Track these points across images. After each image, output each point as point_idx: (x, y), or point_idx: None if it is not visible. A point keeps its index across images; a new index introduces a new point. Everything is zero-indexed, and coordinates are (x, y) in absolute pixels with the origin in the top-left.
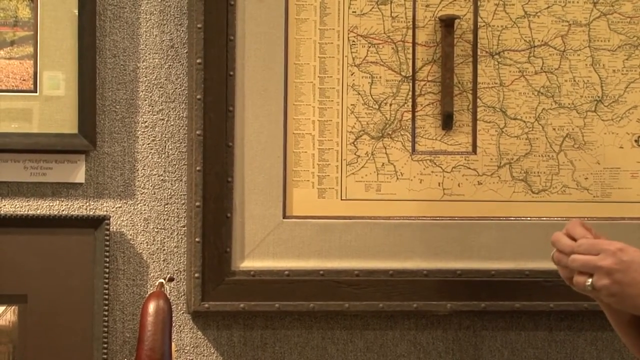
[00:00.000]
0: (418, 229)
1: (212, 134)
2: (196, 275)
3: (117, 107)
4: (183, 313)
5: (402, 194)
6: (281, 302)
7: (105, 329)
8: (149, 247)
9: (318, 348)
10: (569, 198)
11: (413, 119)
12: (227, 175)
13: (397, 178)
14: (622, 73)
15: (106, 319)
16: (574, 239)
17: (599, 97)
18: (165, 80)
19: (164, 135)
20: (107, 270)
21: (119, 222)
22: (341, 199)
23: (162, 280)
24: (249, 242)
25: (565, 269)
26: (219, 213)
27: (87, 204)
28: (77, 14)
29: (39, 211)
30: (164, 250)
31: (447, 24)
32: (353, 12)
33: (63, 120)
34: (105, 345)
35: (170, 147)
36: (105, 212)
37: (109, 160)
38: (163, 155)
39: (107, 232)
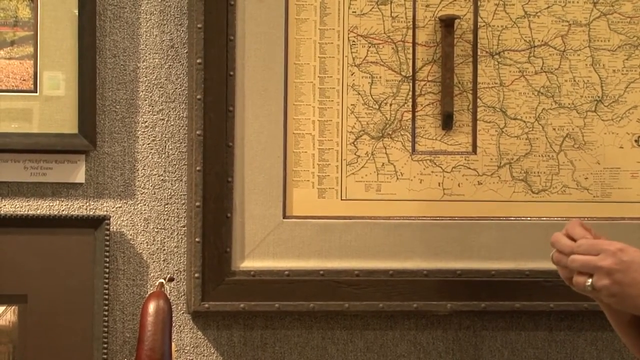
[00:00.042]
0: (418, 229)
1: (212, 134)
2: (196, 275)
3: (117, 107)
4: (183, 313)
5: (402, 194)
6: (281, 302)
7: (105, 329)
8: (149, 247)
9: (318, 348)
10: (569, 198)
11: (413, 119)
12: (227, 175)
13: (397, 178)
14: (622, 73)
15: (106, 319)
16: (574, 240)
17: (599, 97)
18: (166, 80)
19: (164, 135)
20: (107, 270)
21: (119, 222)
22: (341, 199)
23: (162, 280)
24: (249, 242)
25: (564, 269)
26: (219, 213)
27: (87, 204)
28: (77, 14)
29: (39, 211)
30: (164, 250)
31: (447, 24)
32: (353, 12)
33: (63, 120)
34: (105, 345)
35: (170, 147)
36: (105, 212)
37: (109, 160)
38: (163, 155)
39: (107, 232)
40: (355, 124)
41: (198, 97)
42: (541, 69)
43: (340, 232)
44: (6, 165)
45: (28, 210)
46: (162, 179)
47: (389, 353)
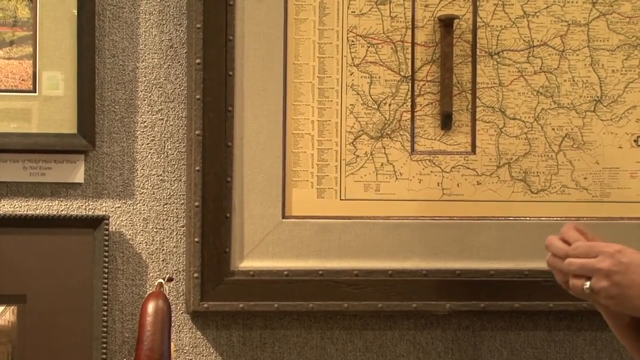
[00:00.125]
0: (417, 229)
1: (211, 134)
2: (195, 275)
3: (116, 107)
4: (182, 313)
5: (401, 194)
6: (280, 302)
7: (105, 329)
8: (148, 247)
9: (317, 348)
10: (568, 198)
11: (412, 119)
12: (226, 175)
13: (396, 178)
14: (621, 73)
15: (105, 319)
16: (568, 243)
17: (598, 97)
18: (165, 80)
19: (163, 135)
20: (106, 270)
21: (118, 222)
22: (340, 199)
23: (161, 280)
24: (248, 242)
25: (560, 272)
26: (218, 213)
27: (86, 204)
28: (76, 14)
29: (38, 211)
30: (163, 250)
31: (446, 24)
32: (352, 12)
33: (62, 120)
34: (104, 345)
35: (169, 147)
36: (104, 212)
37: (108, 160)
38: (162, 155)
39: (106, 232)
40: (354, 124)
41: (197, 97)
42: (540, 69)
43: (340, 232)
44: (5, 165)
45: (27, 210)
46: (161, 179)
47: (388, 353)
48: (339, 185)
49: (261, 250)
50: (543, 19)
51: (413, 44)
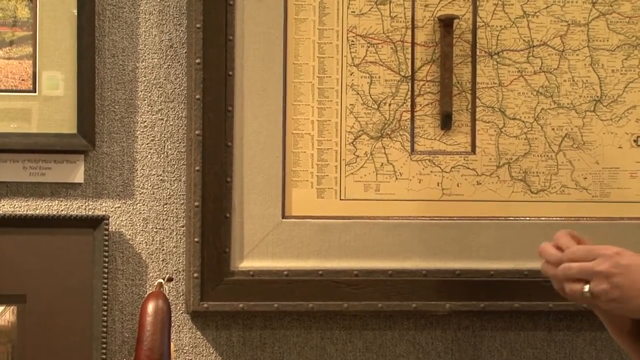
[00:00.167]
0: (417, 229)
1: (211, 134)
2: (195, 275)
3: (116, 107)
4: (182, 313)
5: (401, 194)
6: (280, 302)
7: (104, 329)
8: (148, 247)
9: (317, 348)
10: (568, 198)
11: (412, 119)
12: (226, 175)
13: (396, 178)
14: (621, 73)
15: (105, 319)
16: (562, 250)
17: (597, 97)
18: (164, 80)
19: (163, 135)
20: (106, 270)
21: (118, 222)
22: (340, 199)
23: (161, 280)
24: (248, 242)
25: (554, 278)
26: (218, 213)
27: (86, 204)
28: (76, 14)
29: (38, 211)
30: (163, 250)
31: (446, 23)
32: (352, 12)
33: (62, 120)
34: (104, 346)
35: (169, 147)
36: (104, 212)
37: (108, 160)
38: (162, 155)
39: (106, 232)
40: (354, 124)
41: (197, 97)
42: (540, 68)
43: (339, 232)
44: (5, 165)
45: (27, 210)
46: (161, 179)
47: (387, 353)
48: (338, 185)
49: (261, 250)
50: (543, 19)
51: (413, 44)
